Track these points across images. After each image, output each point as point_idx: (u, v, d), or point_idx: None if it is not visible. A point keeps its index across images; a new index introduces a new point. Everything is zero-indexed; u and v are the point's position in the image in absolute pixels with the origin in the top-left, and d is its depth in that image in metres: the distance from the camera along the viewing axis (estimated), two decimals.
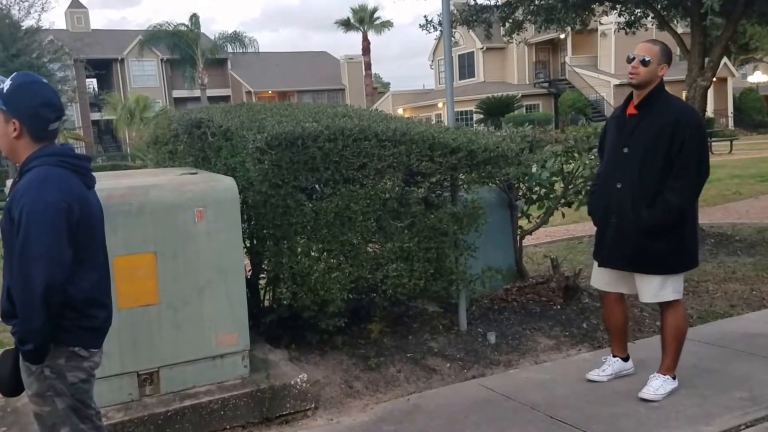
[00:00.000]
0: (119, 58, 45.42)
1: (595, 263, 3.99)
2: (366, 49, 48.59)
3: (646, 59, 3.62)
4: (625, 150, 3.69)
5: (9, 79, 2.37)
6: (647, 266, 3.69)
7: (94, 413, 2.50)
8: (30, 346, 2.25)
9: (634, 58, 3.66)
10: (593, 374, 4.04)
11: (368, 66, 49.11)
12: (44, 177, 2.28)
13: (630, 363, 4.08)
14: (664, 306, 3.77)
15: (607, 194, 3.79)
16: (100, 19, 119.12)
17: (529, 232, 5.95)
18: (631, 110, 3.74)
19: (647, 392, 3.73)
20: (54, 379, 2.35)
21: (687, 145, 3.54)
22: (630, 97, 3.79)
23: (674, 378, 3.80)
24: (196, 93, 41.46)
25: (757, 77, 39.56)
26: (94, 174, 2.53)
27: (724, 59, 29.55)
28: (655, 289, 3.70)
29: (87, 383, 2.44)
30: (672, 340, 3.78)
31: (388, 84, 66.96)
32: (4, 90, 2.33)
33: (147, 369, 3.55)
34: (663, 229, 3.61)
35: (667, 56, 3.67)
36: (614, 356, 4.08)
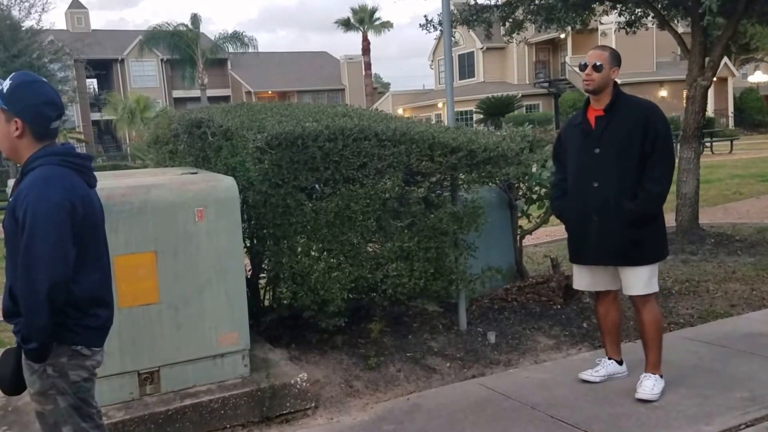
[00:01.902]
0: (119, 59, 45.47)
1: (575, 266, 4.01)
2: (366, 49, 48.61)
3: (598, 64, 3.72)
4: (597, 150, 3.77)
5: (8, 79, 2.38)
6: (638, 258, 3.74)
7: (95, 412, 2.51)
8: (33, 345, 2.25)
9: (586, 65, 3.75)
10: (586, 374, 4.04)
11: (368, 66, 49.12)
12: (47, 176, 2.28)
13: (624, 367, 4.08)
14: (641, 302, 3.82)
15: (583, 195, 3.82)
16: (98, 20, 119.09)
17: (529, 232, 5.96)
18: (596, 113, 3.82)
19: (643, 393, 3.73)
20: (56, 378, 2.36)
21: (660, 138, 3.68)
22: (587, 104, 3.89)
23: (661, 376, 3.83)
24: (196, 93, 41.49)
25: (757, 77, 39.59)
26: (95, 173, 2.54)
27: (725, 59, 29.56)
28: (645, 280, 3.75)
29: (89, 382, 2.45)
30: (655, 335, 3.81)
31: (388, 84, 67.10)
32: (5, 90, 2.33)
33: (147, 368, 3.56)
34: (646, 218, 3.70)
35: (617, 60, 3.79)
36: (609, 358, 4.09)
